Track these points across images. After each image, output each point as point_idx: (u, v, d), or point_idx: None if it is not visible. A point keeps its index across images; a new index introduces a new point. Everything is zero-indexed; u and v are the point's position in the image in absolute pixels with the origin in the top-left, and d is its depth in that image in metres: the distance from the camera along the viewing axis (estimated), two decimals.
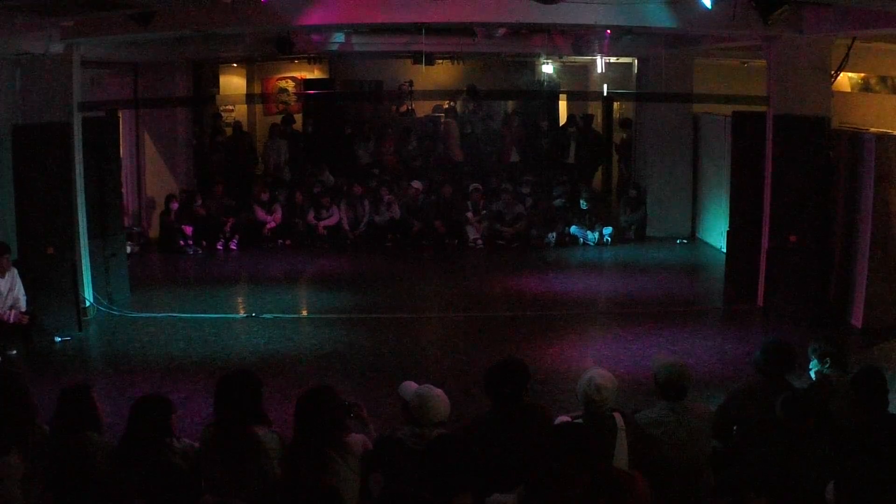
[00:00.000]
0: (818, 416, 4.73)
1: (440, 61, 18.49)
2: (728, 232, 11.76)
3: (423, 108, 19.36)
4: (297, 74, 19.39)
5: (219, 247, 14.59)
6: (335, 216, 15.03)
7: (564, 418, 4.96)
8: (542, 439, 4.41)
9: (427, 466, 3.83)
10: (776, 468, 4.44)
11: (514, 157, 17.62)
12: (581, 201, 15.01)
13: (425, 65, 16.35)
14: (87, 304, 10.43)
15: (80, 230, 10.35)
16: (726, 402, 5.47)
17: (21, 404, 4.85)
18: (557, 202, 15.52)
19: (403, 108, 18.94)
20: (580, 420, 4.79)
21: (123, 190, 13.34)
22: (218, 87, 18.05)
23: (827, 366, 5.52)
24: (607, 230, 14.96)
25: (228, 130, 17.93)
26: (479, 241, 14.81)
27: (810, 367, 5.66)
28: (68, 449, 4.59)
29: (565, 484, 3.78)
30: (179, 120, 15.78)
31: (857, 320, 9.79)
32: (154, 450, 4.44)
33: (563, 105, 19.38)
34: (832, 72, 10.56)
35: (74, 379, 5.51)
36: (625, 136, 17.34)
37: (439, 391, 4.72)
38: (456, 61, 18.41)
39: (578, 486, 3.79)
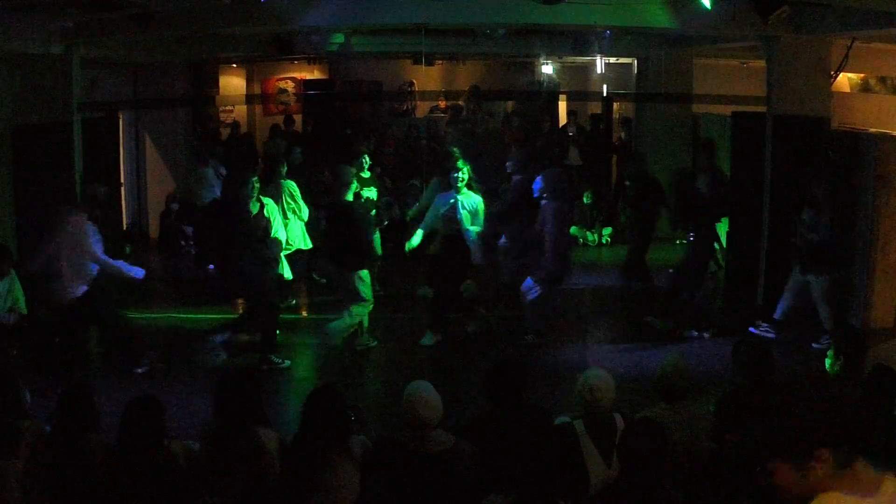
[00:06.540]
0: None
1: (440, 62, 18.51)
2: (728, 232, 11.75)
3: (423, 109, 19.35)
4: (297, 75, 19.36)
5: None
6: None
7: (564, 419, 4.97)
8: (542, 440, 4.41)
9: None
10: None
11: None
12: (585, 196, 14.99)
13: (425, 65, 16.37)
14: None
15: None
16: (715, 413, 5.28)
17: (20, 405, 4.86)
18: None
19: (400, 109, 18.92)
20: (580, 421, 4.80)
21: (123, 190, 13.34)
22: (217, 87, 18.04)
23: (840, 363, 5.45)
24: (607, 230, 14.94)
25: (228, 131, 17.92)
26: None
27: (826, 361, 5.57)
28: (68, 450, 4.59)
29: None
30: (179, 120, 15.77)
31: (856, 320, 9.78)
32: (149, 452, 4.43)
33: (562, 105, 19.37)
34: (832, 72, 10.55)
35: (75, 380, 5.52)
36: (624, 135, 17.33)
37: (427, 395, 4.63)
38: (456, 62, 18.40)
39: None
